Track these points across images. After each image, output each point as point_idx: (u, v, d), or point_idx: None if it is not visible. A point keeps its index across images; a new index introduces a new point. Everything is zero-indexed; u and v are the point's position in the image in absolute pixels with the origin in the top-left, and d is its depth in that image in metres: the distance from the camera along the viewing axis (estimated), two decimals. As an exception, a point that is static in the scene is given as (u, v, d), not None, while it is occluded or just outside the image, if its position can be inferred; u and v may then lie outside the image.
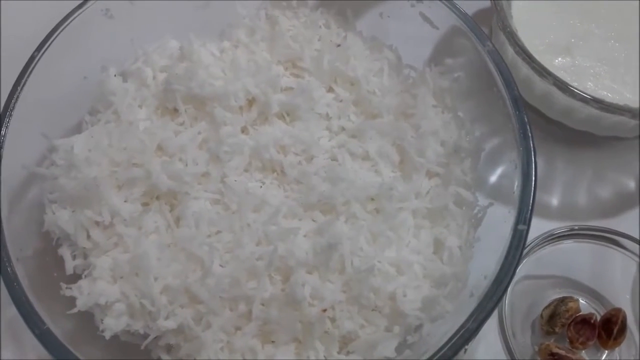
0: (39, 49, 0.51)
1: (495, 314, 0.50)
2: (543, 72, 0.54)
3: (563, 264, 0.55)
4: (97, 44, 0.55)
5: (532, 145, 0.46)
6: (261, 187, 0.51)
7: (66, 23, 0.52)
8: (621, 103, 0.54)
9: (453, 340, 0.41)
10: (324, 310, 0.45)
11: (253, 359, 0.45)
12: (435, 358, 0.41)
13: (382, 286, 0.46)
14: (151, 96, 0.54)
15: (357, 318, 0.46)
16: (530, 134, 0.46)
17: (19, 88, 0.49)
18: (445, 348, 0.41)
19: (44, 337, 0.41)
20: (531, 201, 0.44)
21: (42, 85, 0.51)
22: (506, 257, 0.42)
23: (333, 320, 0.46)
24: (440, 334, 0.43)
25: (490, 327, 0.52)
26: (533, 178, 0.44)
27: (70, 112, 0.54)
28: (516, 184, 0.46)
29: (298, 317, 0.45)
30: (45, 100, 0.52)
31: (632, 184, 0.61)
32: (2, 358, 0.55)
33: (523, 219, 0.43)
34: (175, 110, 0.54)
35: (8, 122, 0.48)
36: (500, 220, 0.46)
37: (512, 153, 0.49)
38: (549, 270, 0.55)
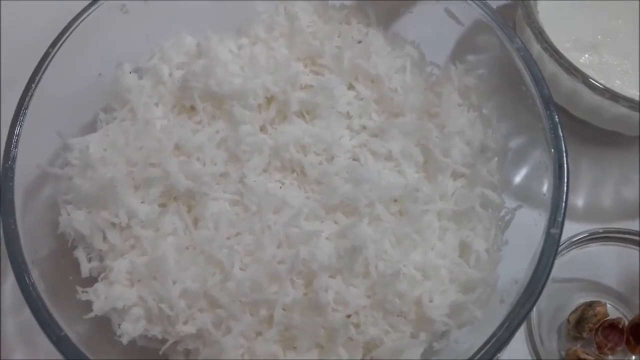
0: (53, 45, 0.50)
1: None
2: (572, 69, 0.53)
3: (589, 268, 0.54)
4: (112, 40, 0.54)
5: (564, 146, 0.44)
6: (281, 187, 0.50)
7: (81, 19, 0.51)
8: (651, 101, 0.53)
9: (484, 350, 0.39)
10: (348, 316, 0.44)
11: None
12: (465, 367, 0.39)
13: (407, 291, 0.44)
14: (168, 94, 0.53)
15: (382, 324, 0.45)
16: (561, 134, 0.45)
17: (33, 85, 0.48)
18: (477, 357, 0.39)
19: (61, 343, 0.40)
20: (564, 204, 0.42)
21: (57, 82, 0.50)
22: (539, 262, 0.41)
23: (357, 325, 0.45)
24: (469, 341, 0.42)
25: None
26: (566, 181, 0.43)
27: (85, 109, 0.53)
28: (546, 186, 0.45)
29: (321, 322, 0.44)
30: (59, 97, 0.51)
31: (660, 186, 0.60)
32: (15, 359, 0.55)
33: (556, 222, 0.42)
34: (193, 108, 0.52)
35: (22, 121, 0.47)
36: (530, 224, 0.45)
37: (539, 153, 0.48)
38: (576, 273, 0.54)
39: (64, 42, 0.50)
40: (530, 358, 0.50)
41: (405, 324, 0.45)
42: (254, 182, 0.49)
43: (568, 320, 0.52)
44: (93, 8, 0.51)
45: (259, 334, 0.45)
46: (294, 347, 0.45)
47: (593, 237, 0.52)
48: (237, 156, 0.50)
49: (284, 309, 0.44)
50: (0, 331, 0.55)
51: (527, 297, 0.40)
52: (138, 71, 0.55)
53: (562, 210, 0.42)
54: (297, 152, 0.50)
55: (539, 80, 0.47)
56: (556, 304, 0.54)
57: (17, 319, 0.56)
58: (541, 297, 0.52)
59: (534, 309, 0.50)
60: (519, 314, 0.40)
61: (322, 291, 0.43)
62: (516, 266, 0.44)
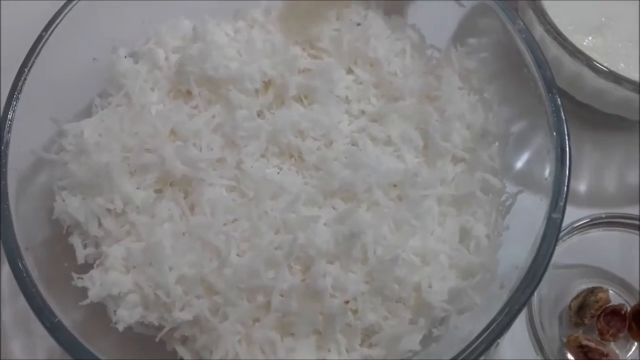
0: (46, 28, 0.49)
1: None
2: (575, 51, 0.52)
3: (591, 253, 0.54)
4: (107, 24, 0.53)
5: (566, 129, 0.43)
6: (279, 173, 0.49)
7: (75, 1, 0.50)
8: (655, 84, 0.52)
9: (484, 335, 0.39)
10: (346, 302, 0.44)
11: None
12: (465, 353, 0.39)
13: (406, 277, 0.44)
14: (163, 78, 0.52)
15: (381, 310, 0.45)
16: (564, 117, 0.44)
17: (26, 69, 0.48)
18: (477, 343, 0.39)
19: (56, 330, 0.40)
20: (566, 189, 0.42)
21: (51, 67, 0.50)
22: (540, 247, 0.41)
23: (355, 312, 0.45)
24: (469, 327, 0.42)
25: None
26: (568, 164, 0.42)
27: (80, 94, 0.53)
28: (548, 171, 0.45)
29: (319, 308, 0.44)
30: (53, 82, 0.50)
31: (663, 170, 0.59)
32: (10, 348, 0.55)
33: (557, 207, 0.41)
34: (189, 93, 0.52)
35: (15, 105, 0.47)
36: (531, 208, 0.45)
37: (541, 137, 0.47)
38: (577, 259, 0.54)
39: (57, 25, 0.50)
40: (531, 344, 0.50)
41: (404, 310, 0.45)
42: (251, 168, 0.49)
43: (570, 307, 0.52)
44: (88, -10, 0.50)
45: (256, 320, 0.45)
46: (292, 334, 0.45)
47: (595, 223, 0.52)
48: (234, 141, 0.49)
49: (281, 295, 0.44)
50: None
51: (528, 283, 0.40)
52: (134, 55, 0.54)
53: (564, 195, 0.42)
54: (295, 137, 0.50)
55: (541, 62, 0.47)
56: (557, 290, 0.53)
57: (14, 307, 0.55)
58: (542, 283, 0.51)
59: (535, 295, 0.50)
60: (519, 299, 0.40)
61: (320, 277, 0.43)
62: (517, 251, 0.43)
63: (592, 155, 0.60)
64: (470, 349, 0.39)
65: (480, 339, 0.39)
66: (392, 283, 0.44)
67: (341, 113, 0.51)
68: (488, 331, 0.39)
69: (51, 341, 0.53)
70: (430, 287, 0.44)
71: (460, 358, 0.39)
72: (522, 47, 0.48)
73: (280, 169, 0.50)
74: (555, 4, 0.57)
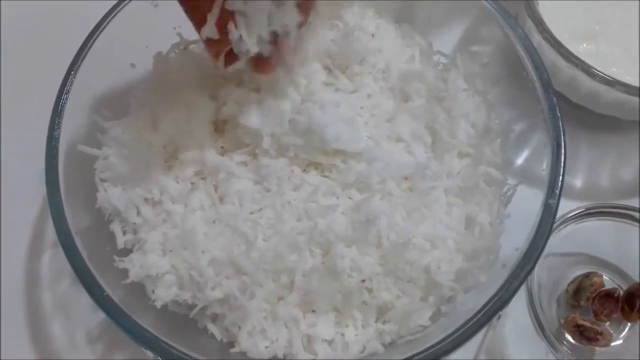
0: (90, 36, 0.53)
1: (524, 290, 0.52)
2: (570, 57, 0.56)
3: (587, 242, 0.57)
4: (143, 33, 0.57)
5: (561, 124, 0.48)
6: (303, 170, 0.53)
7: (116, 11, 0.54)
8: (644, 87, 0.56)
9: (487, 308, 0.43)
10: (362, 281, 0.47)
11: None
12: (470, 323, 0.43)
13: (417, 259, 0.47)
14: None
15: (394, 289, 0.48)
16: (559, 114, 0.48)
17: (72, 74, 0.52)
18: (480, 314, 0.43)
19: (105, 303, 0.43)
20: (561, 177, 0.46)
21: (93, 72, 0.53)
22: (537, 230, 0.44)
23: (370, 291, 0.48)
24: (473, 302, 0.45)
25: (517, 303, 0.54)
26: (563, 154, 0.46)
27: (119, 96, 0.57)
28: (545, 163, 0.48)
29: (337, 287, 0.47)
30: (96, 85, 0.54)
31: (656, 167, 0.64)
32: (51, 332, 0.59)
33: (553, 193, 0.45)
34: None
35: (63, 107, 0.51)
36: (530, 198, 0.48)
37: (540, 135, 0.50)
38: (573, 248, 0.57)
39: (99, 33, 0.54)
40: (532, 326, 0.53)
41: (415, 289, 0.48)
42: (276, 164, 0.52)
43: (567, 290, 0.56)
44: (126, 2, 0.55)
45: (280, 298, 0.48)
46: (313, 311, 0.48)
47: (590, 213, 0.55)
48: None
49: (303, 276, 0.47)
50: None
51: (527, 261, 0.43)
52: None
53: (559, 183, 0.45)
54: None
55: (538, 65, 0.51)
56: (555, 276, 0.57)
57: (54, 292, 0.59)
58: (541, 270, 0.56)
59: (535, 280, 0.54)
60: (518, 276, 0.43)
61: (339, 259, 0.46)
62: (517, 236, 0.47)
63: (588, 154, 0.64)
64: (474, 320, 0.42)
65: (483, 311, 0.43)
66: (404, 265, 0.47)
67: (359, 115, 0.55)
68: (489, 305, 0.43)
69: (88, 323, 0.59)
70: (439, 268, 0.48)
71: (465, 328, 0.42)
72: (522, 52, 0.52)
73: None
74: (552, 13, 0.61)
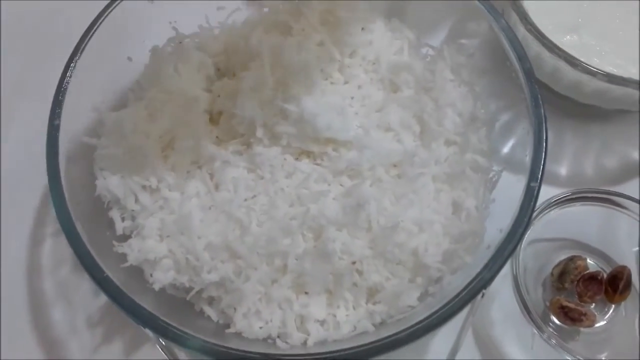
0: (87, 31, 0.55)
1: (510, 274, 0.54)
2: (554, 48, 0.58)
3: (571, 227, 0.58)
4: (140, 28, 0.59)
5: (543, 112, 0.49)
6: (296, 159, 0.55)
7: (113, 6, 0.56)
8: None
9: (471, 286, 0.44)
10: (353, 263, 0.49)
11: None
12: (454, 301, 0.44)
13: (405, 242, 0.49)
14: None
15: (383, 271, 0.50)
16: (541, 103, 0.50)
17: (70, 67, 0.53)
18: (464, 292, 0.44)
19: (105, 283, 0.45)
20: (542, 161, 0.47)
21: (91, 66, 0.55)
22: (520, 211, 0.46)
23: (361, 273, 0.50)
24: (459, 282, 0.46)
25: (504, 286, 0.56)
26: (544, 140, 0.48)
27: (117, 89, 0.58)
28: (528, 149, 0.50)
29: (329, 269, 0.49)
30: (94, 78, 0.56)
31: (636, 155, 0.65)
32: (52, 317, 0.60)
33: (534, 177, 0.47)
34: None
35: (63, 98, 0.52)
36: (513, 183, 0.50)
37: (524, 124, 0.52)
38: (558, 233, 0.59)
39: (98, 28, 0.55)
40: (518, 309, 0.55)
41: (403, 271, 0.50)
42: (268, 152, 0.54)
43: (552, 274, 0.57)
44: (122, -2, 0.57)
45: (274, 281, 0.50)
46: (306, 292, 0.50)
47: (573, 198, 0.57)
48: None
49: (296, 259, 0.49)
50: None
51: (509, 241, 0.45)
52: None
53: (541, 166, 0.47)
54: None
55: (522, 56, 0.52)
56: (541, 261, 0.58)
57: (55, 279, 0.61)
58: (527, 255, 0.57)
59: (521, 264, 0.55)
60: (502, 255, 0.45)
61: (330, 242, 0.48)
62: (501, 218, 0.48)
63: (573, 142, 0.66)
64: (458, 298, 0.44)
65: (467, 289, 0.44)
66: (393, 247, 0.49)
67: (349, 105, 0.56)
68: (473, 284, 0.44)
69: (89, 308, 0.60)
70: (426, 250, 0.49)
71: (451, 305, 0.44)
72: (505, 43, 0.53)
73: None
74: (536, 6, 0.63)
